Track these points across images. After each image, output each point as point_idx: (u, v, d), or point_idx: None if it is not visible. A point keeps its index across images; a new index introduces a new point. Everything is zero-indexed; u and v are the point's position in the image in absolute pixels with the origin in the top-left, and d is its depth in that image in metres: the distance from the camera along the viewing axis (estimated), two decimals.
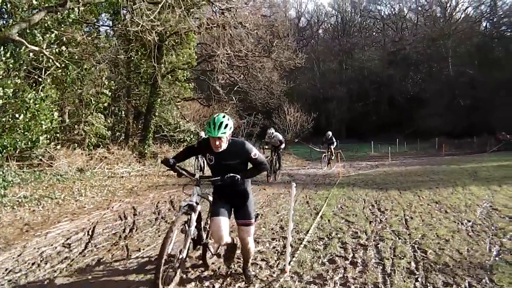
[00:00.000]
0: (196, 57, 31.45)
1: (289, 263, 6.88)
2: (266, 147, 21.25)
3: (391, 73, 65.19)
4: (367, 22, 78.73)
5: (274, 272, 6.71)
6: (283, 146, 20.21)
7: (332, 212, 11.35)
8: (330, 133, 27.70)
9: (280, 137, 20.22)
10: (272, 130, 20.31)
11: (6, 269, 6.94)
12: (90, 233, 9.19)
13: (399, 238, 8.49)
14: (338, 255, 7.47)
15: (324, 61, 74.24)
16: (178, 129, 29.61)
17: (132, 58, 26.24)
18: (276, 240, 8.49)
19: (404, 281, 6.26)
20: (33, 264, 7.19)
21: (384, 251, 7.65)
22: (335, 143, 27.69)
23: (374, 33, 79.81)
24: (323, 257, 7.39)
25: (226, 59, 26.84)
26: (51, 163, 17.15)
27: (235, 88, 32.18)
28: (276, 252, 7.75)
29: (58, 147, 18.31)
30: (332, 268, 6.83)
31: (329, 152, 27.61)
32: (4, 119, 14.88)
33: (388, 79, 65.06)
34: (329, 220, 10.28)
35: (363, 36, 76.54)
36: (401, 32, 72.66)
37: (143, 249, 7.93)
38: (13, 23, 16.91)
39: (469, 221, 9.90)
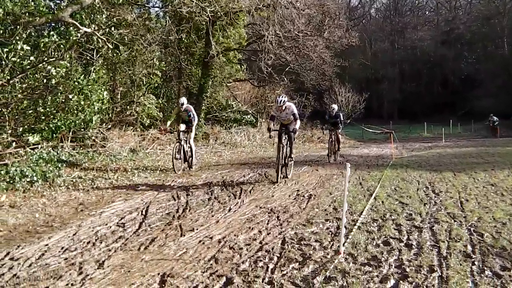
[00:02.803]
0: (246, 37, 31.39)
1: (343, 245, 6.82)
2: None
3: (444, 53, 63.96)
4: (420, 1, 77.39)
5: (328, 253, 6.65)
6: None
7: (386, 193, 11.24)
8: (335, 107, 20.61)
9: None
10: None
11: (62, 248, 7.04)
12: (144, 212, 9.27)
13: (455, 221, 8.35)
14: (392, 237, 7.39)
15: (375, 41, 73.33)
16: (229, 110, 29.67)
17: (183, 39, 26.29)
18: (330, 221, 8.44)
19: (461, 264, 6.14)
20: (88, 243, 7.28)
21: (439, 234, 7.53)
22: (342, 124, 20.56)
23: (426, 12, 78.42)
24: (377, 239, 7.32)
25: (276, 39, 26.72)
26: (104, 143, 17.34)
27: (287, 69, 32.01)
28: (330, 233, 7.70)
29: (111, 128, 18.51)
30: (387, 250, 6.76)
31: (333, 137, 19.79)
32: (57, 100, 15.08)
33: (441, 59, 63.87)
34: (382, 202, 10.18)
35: (415, 15, 75.25)
36: (454, 10, 71.19)
37: (197, 229, 7.96)
38: (66, 5, 17.12)
39: None
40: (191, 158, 15.62)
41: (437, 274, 5.83)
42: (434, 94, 61.54)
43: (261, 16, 28.16)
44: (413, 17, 74.08)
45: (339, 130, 20.40)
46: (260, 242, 7.26)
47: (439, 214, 8.88)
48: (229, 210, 9.45)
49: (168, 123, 16.02)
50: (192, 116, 15.43)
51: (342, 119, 20.38)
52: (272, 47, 26.51)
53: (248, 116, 30.82)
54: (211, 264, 6.30)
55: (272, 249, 6.90)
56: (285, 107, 13.31)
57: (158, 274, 5.94)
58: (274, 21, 25.27)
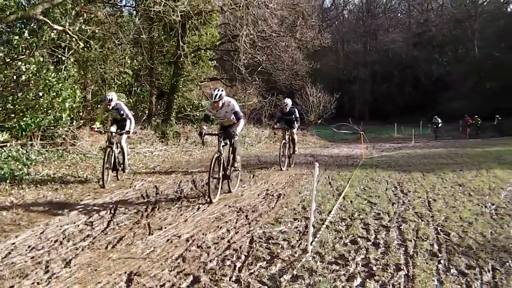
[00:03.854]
0: (219, 37, 31.38)
1: (311, 243, 6.87)
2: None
3: (415, 55, 64.58)
4: (392, 4, 77.95)
5: (296, 252, 6.70)
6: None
7: (355, 193, 11.33)
8: (288, 101, 17.10)
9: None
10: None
11: (29, 246, 6.99)
12: (112, 211, 9.23)
13: (422, 220, 8.48)
14: (360, 236, 7.47)
15: (348, 42, 73.76)
16: (201, 109, 29.55)
17: (155, 38, 26.20)
18: (298, 221, 8.49)
19: (427, 263, 6.23)
20: (55, 241, 7.24)
21: (406, 233, 7.64)
22: (298, 123, 17.07)
23: (399, 15, 79.00)
24: (345, 237, 7.39)
25: (249, 39, 26.75)
26: (74, 142, 17.22)
27: (259, 69, 32.05)
28: (298, 232, 7.75)
29: (81, 126, 18.38)
30: (354, 249, 6.83)
31: (287, 138, 16.70)
32: (28, 97, 14.98)
33: (412, 61, 64.46)
34: (351, 201, 10.27)
35: (388, 18, 75.80)
36: (426, 13, 71.83)
37: (165, 228, 7.97)
38: (37, 2, 17.01)
39: (493, 204, 9.88)
40: (122, 164, 13.15)
41: (403, 273, 5.90)
42: (405, 95, 61.98)
43: (234, 16, 28.17)
44: (385, 19, 74.64)
45: (295, 130, 16.90)
46: (228, 241, 7.28)
47: (407, 214, 8.99)
48: (198, 209, 9.46)
49: (97, 123, 12.98)
50: (125, 115, 13.03)
51: (298, 115, 16.90)
52: (245, 47, 26.51)
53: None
54: (178, 263, 6.31)
55: (240, 248, 6.93)
56: (223, 103, 10.74)
57: (125, 272, 5.93)
58: (248, 21, 25.30)
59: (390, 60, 67.40)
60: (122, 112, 13.06)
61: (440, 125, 42.13)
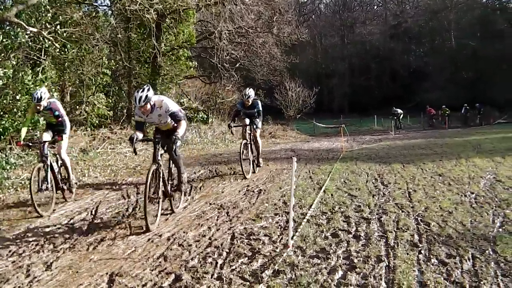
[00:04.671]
0: (196, 34, 31.32)
1: (292, 238, 6.90)
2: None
3: (392, 47, 64.75)
4: None
5: (277, 247, 6.73)
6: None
7: (335, 186, 11.34)
8: (250, 92, 13.96)
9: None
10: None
11: (10, 251, 6.96)
12: (93, 212, 9.22)
13: (402, 211, 8.51)
14: (341, 229, 7.50)
15: (325, 36, 73.74)
16: (181, 107, 29.50)
17: (132, 37, 26.11)
18: (279, 216, 8.52)
19: (408, 254, 6.27)
20: (36, 245, 7.20)
21: (387, 224, 7.66)
22: (261, 117, 14.36)
23: (375, 7, 79.18)
24: (326, 231, 7.41)
25: (227, 35, 26.77)
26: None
27: (237, 65, 32.06)
28: (279, 227, 7.78)
29: None
30: (335, 242, 6.86)
31: (249, 137, 14.04)
32: (4, 101, 14.89)
33: (390, 53, 64.65)
34: (332, 195, 10.29)
35: (364, 10, 75.98)
36: (402, 5, 72.03)
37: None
38: (10, 4, 16.88)
39: (473, 193, 9.91)
40: (66, 180, 10.74)
41: (384, 264, 5.94)
42: (384, 87, 62.19)
43: (210, 12, 28.14)
44: (361, 12, 74.83)
45: (259, 126, 14.29)
46: (210, 238, 7.30)
47: (387, 205, 9.03)
48: (178, 207, 9.46)
49: (23, 132, 10.50)
50: (61, 116, 10.41)
51: (260, 109, 13.98)
52: (222, 43, 26.50)
53: (200, 113, 30.71)
54: (160, 262, 6.33)
55: (221, 244, 6.95)
56: (153, 105, 8.67)
57: (107, 273, 5.94)
58: (225, 18, 25.31)
59: (367, 52, 67.52)
60: (57, 113, 10.33)
61: (401, 116, 42.10)
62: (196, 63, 33.00)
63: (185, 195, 10.64)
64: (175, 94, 30.80)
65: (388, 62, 64.03)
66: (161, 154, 9.36)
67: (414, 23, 65.67)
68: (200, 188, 11.51)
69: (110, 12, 27.42)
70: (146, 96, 8.36)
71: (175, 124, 9.22)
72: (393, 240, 6.84)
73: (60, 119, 10.40)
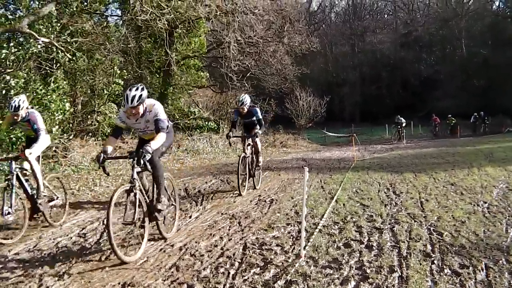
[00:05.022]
0: (207, 44, 31.41)
1: (304, 248, 6.86)
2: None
3: (403, 56, 64.65)
4: (378, 5, 78.08)
5: (289, 258, 6.72)
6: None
7: (347, 196, 11.32)
8: (246, 98, 12.52)
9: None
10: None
11: (22, 260, 6.97)
12: (105, 222, 9.22)
13: (415, 221, 8.47)
14: (353, 239, 7.47)
15: (336, 45, 73.70)
16: (191, 117, 29.54)
17: (143, 47, 26.22)
18: (291, 225, 8.50)
19: (420, 264, 6.24)
20: (48, 254, 7.22)
21: (399, 234, 7.64)
22: (262, 127, 12.79)
23: (385, 16, 79.14)
24: (338, 241, 7.39)
25: (237, 45, 26.81)
26: (66, 154, 17.15)
27: (248, 74, 32.07)
28: (291, 237, 7.76)
29: (72, 138, 18.30)
30: (348, 252, 6.84)
31: (248, 149, 12.62)
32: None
33: (400, 61, 64.54)
34: (344, 204, 10.26)
35: (374, 19, 75.86)
36: (412, 13, 71.98)
37: (158, 238, 7.99)
38: (22, 15, 17.01)
39: (485, 203, 9.88)
40: (36, 191, 9.35)
41: (397, 274, 5.92)
42: (395, 96, 62.01)
43: (221, 22, 28.22)
44: (372, 21, 74.72)
45: (258, 137, 12.81)
46: (222, 248, 7.30)
47: (400, 215, 8.99)
48: (190, 217, 9.45)
49: None
50: (38, 131, 9.05)
51: (260, 116, 12.69)
52: (233, 53, 26.56)
53: (211, 123, 30.73)
54: (172, 272, 6.33)
55: (234, 254, 6.94)
56: (145, 109, 7.58)
57: (119, 283, 5.95)
58: (234, 28, 25.35)
59: (378, 61, 67.42)
60: (35, 126, 9.03)
61: (404, 124, 41.83)
62: (207, 73, 33.10)
63: (196, 205, 10.64)
64: (186, 104, 30.90)
65: (399, 71, 63.92)
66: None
67: (425, 32, 65.54)
68: (211, 198, 11.50)
69: (121, 22, 27.61)
70: (140, 96, 7.21)
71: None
72: (405, 250, 6.81)
73: (38, 133, 8.92)
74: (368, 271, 6.07)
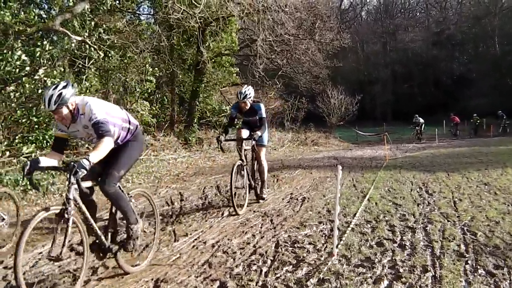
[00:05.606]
0: (238, 42, 31.42)
1: (337, 246, 6.82)
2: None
3: (435, 54, 64.13)
4: (410, 3, 77.57)
5: (321, 256, 6.67)
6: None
7: (379, 195, 11.25)
8: (248, 90, 10.31)
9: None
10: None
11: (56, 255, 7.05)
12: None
13: (448, 221, 8.37)
14: (386, 238, 7.41)
15: (367, 43, 73.43)
16: (223, 114, 29.60)
17: (174, 45, 26.34)
18: (323, 224, 8.46)
19: (454, 264, 6.16)
20: (83, 249, 7.27)
21: (432, 234, 7.55)
22: (265, 128, 10.55)
23: (417, 14, 78.70)
24: (371, 240, 7.33)
25: (268, 43, 26.78)
26: None
27: (279, 73, 32.05)
28: (324, 235, 7.72)
29: None
30: (380, 251, 6.77)
31: (247, 155, 10.69)
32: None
33: (433, 60, 64.04)
34: (376, 203, 10.20)
35: (406, 17, 75.48)
36: (445, 11, 71.36)
37: (190, 234, 8.01)
38: (56, 14, 17.22)
39: None
40: None
41: (430, 274, 5.84)
42: (427, 95, 61.49)
43: (252, 21, 28.23)
44: (403, 19, 74.31)
45: (263, 141, 10.70)
46: (254, 246, 7.29)
47: (433, 214, 8.90)
48: (222, 214, 9.46)
49: None
50: None
51: (264, 115, 10.58)
52: (264, 51, 26.55)
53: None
54: (204, 269, 6.33)
55: (266, 252, 6.93)
56: (76, 109, 5.81)
57: (152, 279, 5.98)
58: (265, 26, 25.33)
59: (410, 59, 66.98)
60: None
61: (423, 125, 41.09)
62: (237, 69, 33.11)
63: (228, 202, 10.65)
64: (218, 101, 30.98)
65: (431, 69, 63.47)
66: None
67: (457, 30, 65.00)
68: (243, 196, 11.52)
69: (153, 20, 27.78)
70: (60, 95, 5.51)
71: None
72: (439, 250, 6.73)
73: None
74: (401, 270, 6.01)
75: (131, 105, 21.79)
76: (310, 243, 7.29)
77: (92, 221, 5.87)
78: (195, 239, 7.75)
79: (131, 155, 6.50)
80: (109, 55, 19.65)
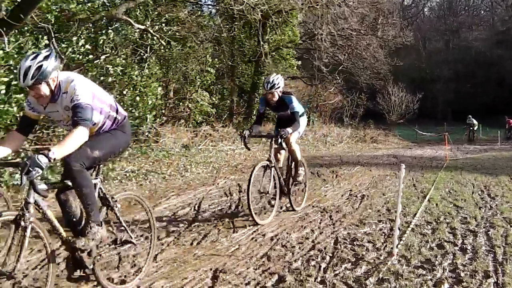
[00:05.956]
0: (299, 35, 31.36)
1: (397, 246, 6.73)
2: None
3: (500, 53, 62.65)
4: (475, 1, 76.17)
5: (381, 255, 6.58)
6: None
7: (440, 196, 11.05)
8: (277, 80, 8.76)
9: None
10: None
11: (115, 240, 7.15)
12: (196, 208, 9.35)
13: (511, 226, 8.15)
14: (446, 241, 7.25)
15: (429, 40, 72.46)
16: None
17: (235, 36, 26.45)
18: (383, 222, 8.36)
19: None
20: (141, 236, 7.35)
21: (495, 239, 7.35)
22: (299, 125, 8.94)
23: (482, 12, 77.27)
24: (431, 241, 7.19)
25: (330, 38, 26.68)
26: (157, 139, 17.51)
27: (340, 68, 31.90)
28: (383, 234, 7.62)
29: (164, 123, 18.67)
30: (441, 254, 6.63)
31: (279, 152, 9.09)
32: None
33: (497, 59, 62.55)
34: (437, 204, 10.02)
35: (470, 15, 74.15)
36: (510, 10, 69.73)
37: (249, 226, 8.01)
38: (120, 2, 17.50)
39: None
40: None
41: (492, 280, 5.69)
42: (490, 95, 60.24)
43: (314, 14, 28.13)
44: (467, 17, 72.99)
45: (295, 135, 9.07)
46: (313, 241, 7.24)
47: (495, 219, 8.68)
48: (281, 208, 9.42)
49: None
50: None
51: (297, 109, 8.97)
52: (325, 45, 26.44)
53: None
54: (263, 262, 6.32)
55: (325, 248, 6.87)
56: (58, 86, 4.76)
57: (211, 269, 5.98)
58: (327, 20, 25.22)
59: (473, 58, 65.71)
60: None
61: (475, 127, 39.93)
62: (297, 61, 33.04)
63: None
64: None
65: (495, 69, 62.07)
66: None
67: None
68: (302, 190, 11.45)
69: (214, 11, 27.96)
70: (39, 68, 4.49)
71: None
72: (501, 256, 6.55)
73: None
74: (462, 274, 5.87)
75: (191, 95, 21.99)
76: (369, 241, 7.21)
77: (61, 230, 4.78)
78: (254, 231, 7.73)
79: (113, 142, 5.32)
80: (171, 45, 19.84)
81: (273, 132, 9.54)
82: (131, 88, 15.72)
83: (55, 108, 4.83)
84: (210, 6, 30.39)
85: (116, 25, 17.27)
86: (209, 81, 23.91)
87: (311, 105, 34.16)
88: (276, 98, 8.71)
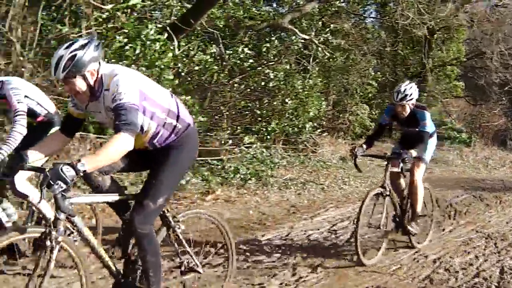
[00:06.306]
0: (465, 53, 30.44)
1: None
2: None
3: None
4: None
5: None
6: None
7: None
8: (408, 88, 7.02)
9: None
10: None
11: (276, 246, 7.23)
12: (355, 222, 9.24)
13: None
14: None
15: None
16: (443, 126, 28.82)
17: (399, 51, 26.10)
18: None
19: None
20: (300, 245, 7.41)
21: None
22: (424, 146, 7.22)
23: None
24: None
25: (500, 57, 25.63)
26: (315, 149, 17.59)
27: (506, 88, 30.53)
28: None
29: (322, 134, 18.70)
30: None
31: (398, 180, 7.58)
32: (274, 103, 15.66)
33: None
34: None
35: None
36: None
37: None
38: (286, 12, 17.87)
39: None
40: None
41: None
42: None
43: (482, 32, 27.22)
44: None
45: (422, 168, 7.43)
46: (477, 268, 6.93)
47: None
48: (443, 230, 9.13)
49: None
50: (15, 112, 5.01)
51: (428, 129, 7.27)
52: (495, 65, 25.45)
53: (463, 135, 29.69)
54: (425, 284, 6.16)
55: (490, 277, 6.55)
56: (99, 79, 3.77)
57: (372, 286, 5.92)
58: (498, 38, 24.28)
59: None
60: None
61: None
62: (462, 82, 32.04)
63: (449, 218, 10.28)
64: (438, 113, 30.30)
65: None
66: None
67: None
68: (464, 213, 11.00)
69: (378, 24, 27.75)
70: (73, 58, 3.59)
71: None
72: None
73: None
74: None
75: (351, 107, 21.93)
76: None
77: (102, 252, 3.93)
78: (416, 252, 7.53)
79: (177, 170, 4.27)
80: (333, 56, 19.90)
81: (391, 152, 7.81)
82: (293, 98, 15.94)
83: (97, 108, 3.93)
84: (374, 19, 30.23)
85: (278, 34, 17.56)
86: (370, 95, 23.75)
87: (474, 126, 32.91)
88: (407, 112, 7.11)
